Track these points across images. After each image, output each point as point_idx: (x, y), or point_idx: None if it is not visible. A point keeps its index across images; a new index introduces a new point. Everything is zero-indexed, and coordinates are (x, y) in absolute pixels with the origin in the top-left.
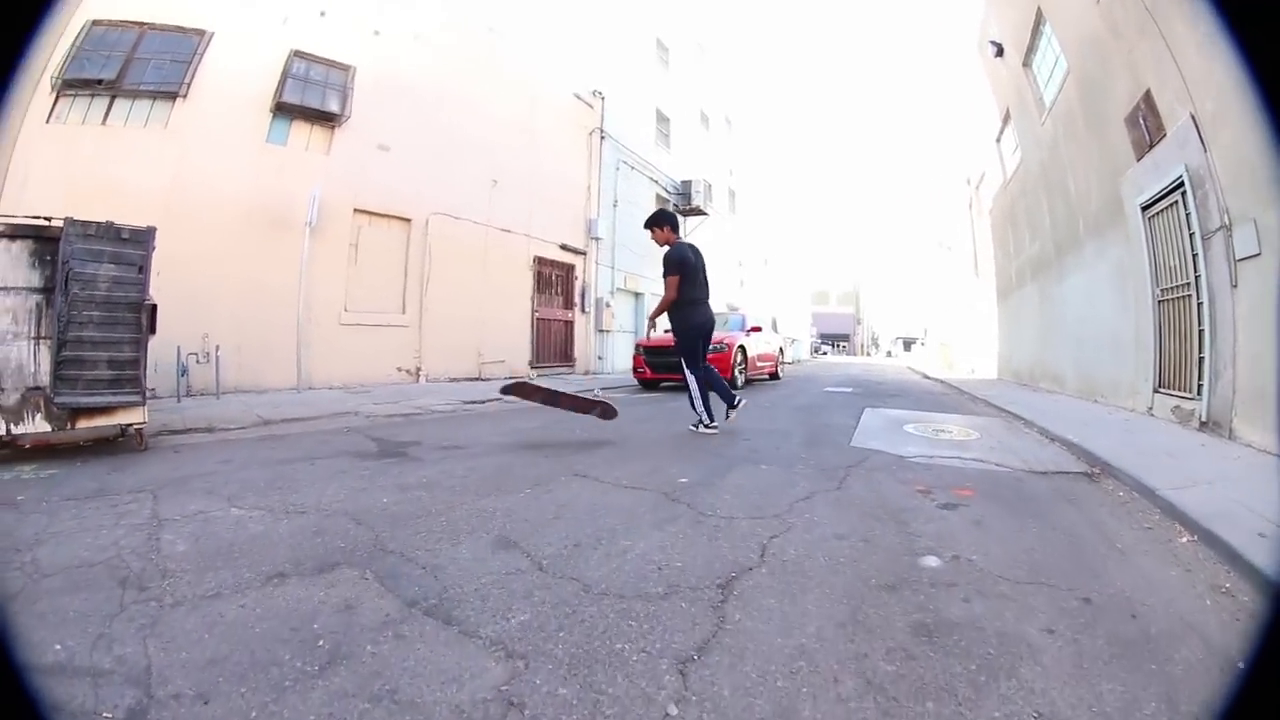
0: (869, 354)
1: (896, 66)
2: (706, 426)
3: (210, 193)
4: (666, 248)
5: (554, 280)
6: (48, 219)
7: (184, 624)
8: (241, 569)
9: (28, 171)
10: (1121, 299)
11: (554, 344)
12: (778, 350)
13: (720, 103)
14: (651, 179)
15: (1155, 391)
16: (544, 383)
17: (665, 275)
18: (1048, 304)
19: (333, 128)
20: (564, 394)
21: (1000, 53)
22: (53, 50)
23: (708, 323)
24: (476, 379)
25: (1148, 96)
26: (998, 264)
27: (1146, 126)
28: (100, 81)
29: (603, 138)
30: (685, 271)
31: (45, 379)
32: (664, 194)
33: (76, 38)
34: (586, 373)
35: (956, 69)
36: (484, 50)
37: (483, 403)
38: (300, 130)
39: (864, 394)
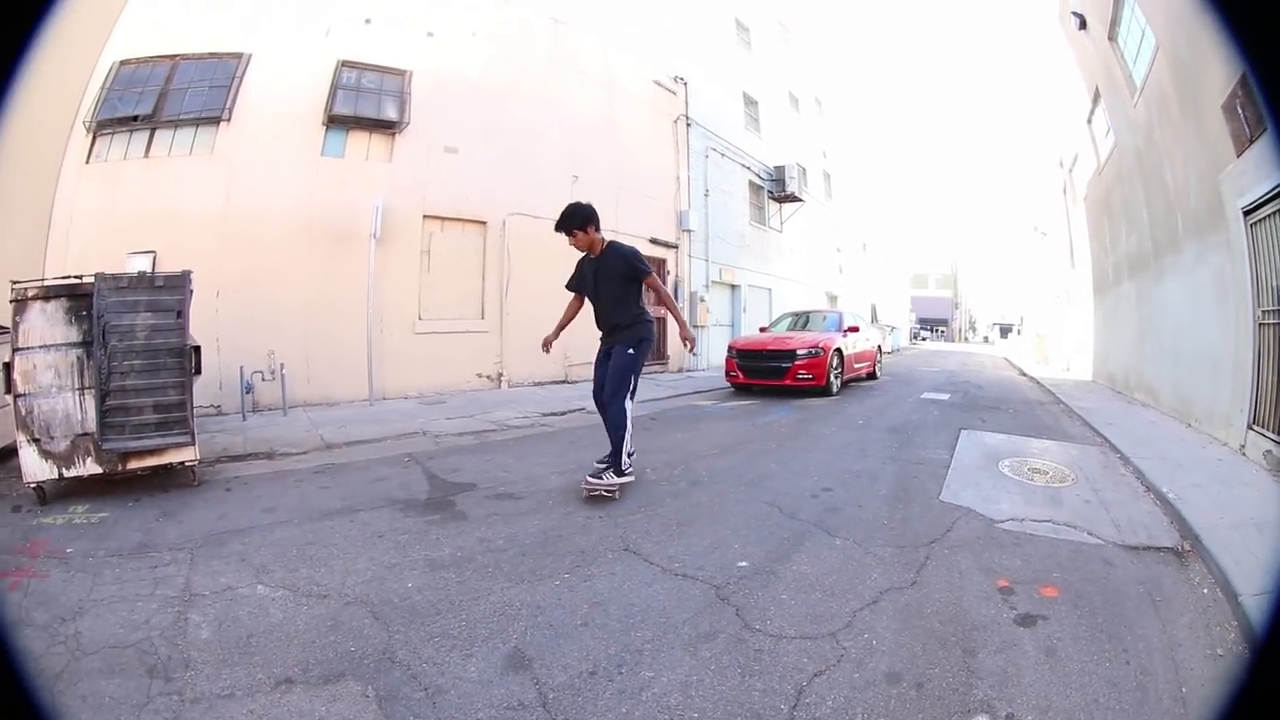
0: (967, 339)
1: (986, 38)
2: (605, 480)
3: (266, 211)
4: (613, 246)
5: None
6: (79, 277)
7: None
8: (256, 667)
9: (72, 213)
10: (1222, 315)
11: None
12: (875, 347)
13: (808, 83)
14: (743, 165)
15: (1249, 428)
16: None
17: (643, 274)
18: (1145, 307)
19: (393, 135)
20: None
21: (1083, 25)
22: (81, 95)
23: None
24: (563, 381)
25: (1244, 82)
26: (1094, 256)
27: (1245, 117)
28: (136, 118)
29: (689, 124)
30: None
31: (93, 425)
32: (757, 180)
33: (105, 79)
34: (680, 370)
35: (1041, 41)
36: (550, 42)
37: (563, 414)
38: (358, 140)
39: (962, 405)
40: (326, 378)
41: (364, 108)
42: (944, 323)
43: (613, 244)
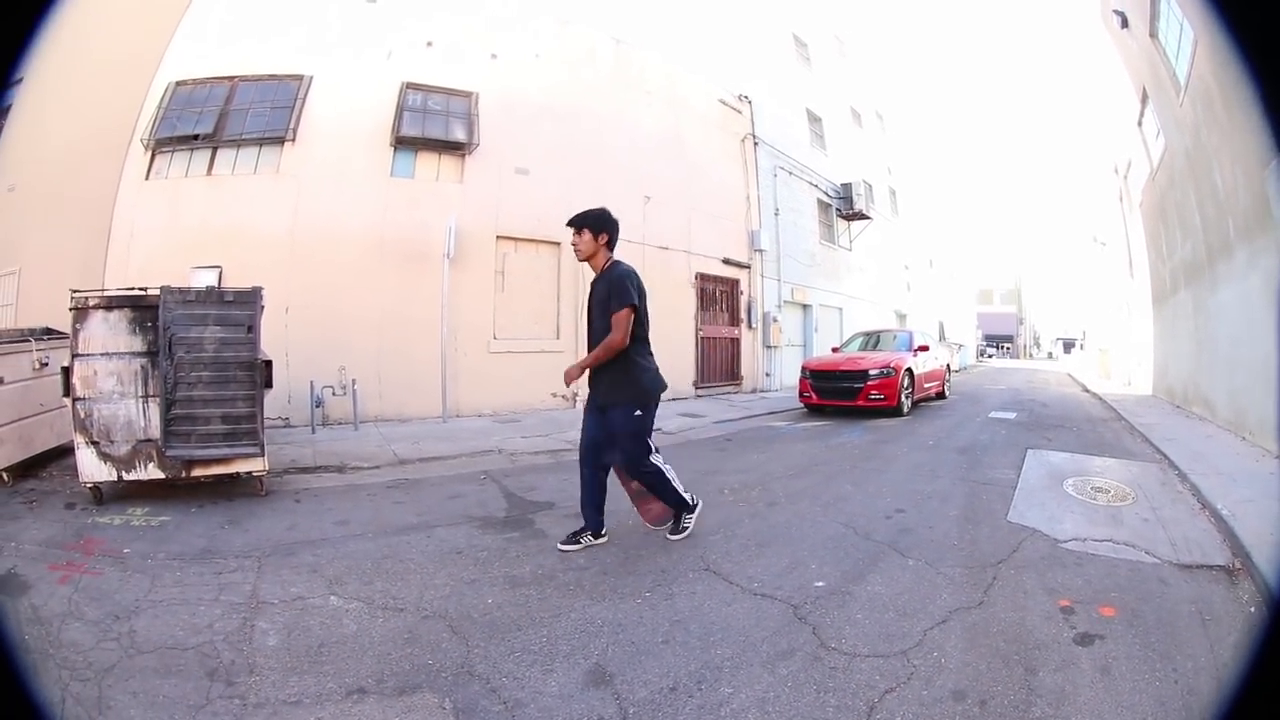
0: (1031, 355)
1: (1039, 43)
2: (681, 526)
3: (336, 230)
4: (611, 267)
5: (718, 296)
6: (144, 289)
7: None
8: (326, 676)
9: (133, 227)
10: (1274, 321)
11: (719, 362)
12: (944, 366)
13: (868, 98)
14: (811, 183)
15: None
16: (704, 405)
17: (614, 304)
18: (1201, 317)
19: (463, 156)
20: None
21: (1125, 23)
22: (137, 115)
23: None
24: None
25: None
26: (1152, 266)
27: None
28: (197, 137)
29: (756, 143)
30: (642, 303)
31: (156, 433)
32: (824, 198)
33: (162, 99)
34: (754, 391)
35: (1088, 43)
36: (614, 62)
37: None
38: (428, 161)
39: (1028, 423)
40: (399, 394)
41: (432, 129)
42: (1009, 339)
43: (614, 264)
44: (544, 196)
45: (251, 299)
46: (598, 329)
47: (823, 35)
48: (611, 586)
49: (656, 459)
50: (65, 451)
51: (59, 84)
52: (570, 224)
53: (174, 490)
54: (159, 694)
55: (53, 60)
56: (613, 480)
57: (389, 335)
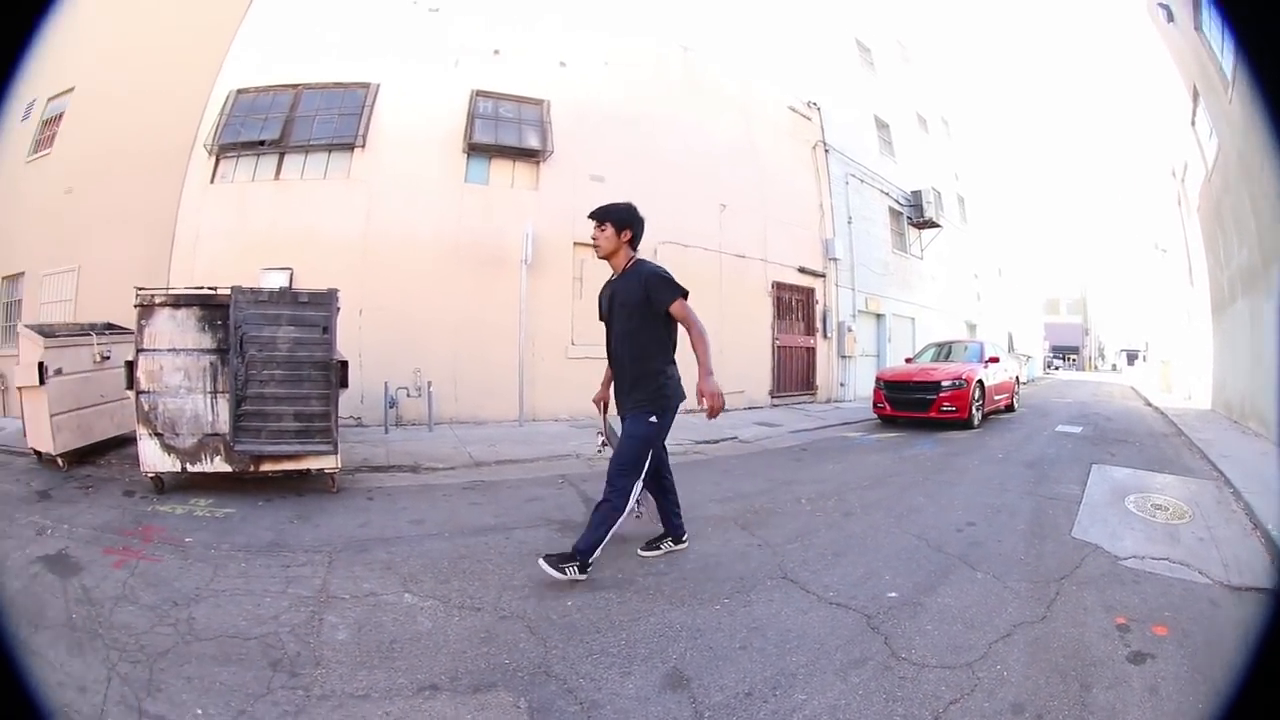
0: (1096, 367)
1: (1096, 40)
2: (561, 567)
3: (410, 235)
4: (637, 265)
5: (794, 305)
6: (213, 289)
7: (326, 718)
8: (398, 672)
9: (198, 229)
10: None
11: (795, 371)
12: (1013, 378)
13: (933, 103)
14: (882, 191)
15: None
16: (780, 414)
17: (665, 297)
18: (1257, 326)
19: (537, 163)
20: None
21: (1170, 16)
22: (198, 121)
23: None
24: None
25: None
26: (1210, 273)
27: None
28: (263, 142)
29: (827, 150)
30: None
31: (224, 427)
32: (896, 206)
33: (224, 106)
34: (829, 401)
35: (1139, 39)
36: (683, 70)
37: (715, 442)
38: (502, 168)
39: (1093, 438)
40: (474, 397)
41: (504, 136)
42: (1074, 350)
43: (638, 262)
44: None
45: (327, 300)
46: (620, 333)
47: (885, 40)
48: (690, 592)
49: (635, 490)
50: (124, 441)
51: (115, 91)
52: (592, 217)
53: (239, 484)
54: (216, 680)
55: (108, 67)
56: (683, 483)
57: (465, 339)
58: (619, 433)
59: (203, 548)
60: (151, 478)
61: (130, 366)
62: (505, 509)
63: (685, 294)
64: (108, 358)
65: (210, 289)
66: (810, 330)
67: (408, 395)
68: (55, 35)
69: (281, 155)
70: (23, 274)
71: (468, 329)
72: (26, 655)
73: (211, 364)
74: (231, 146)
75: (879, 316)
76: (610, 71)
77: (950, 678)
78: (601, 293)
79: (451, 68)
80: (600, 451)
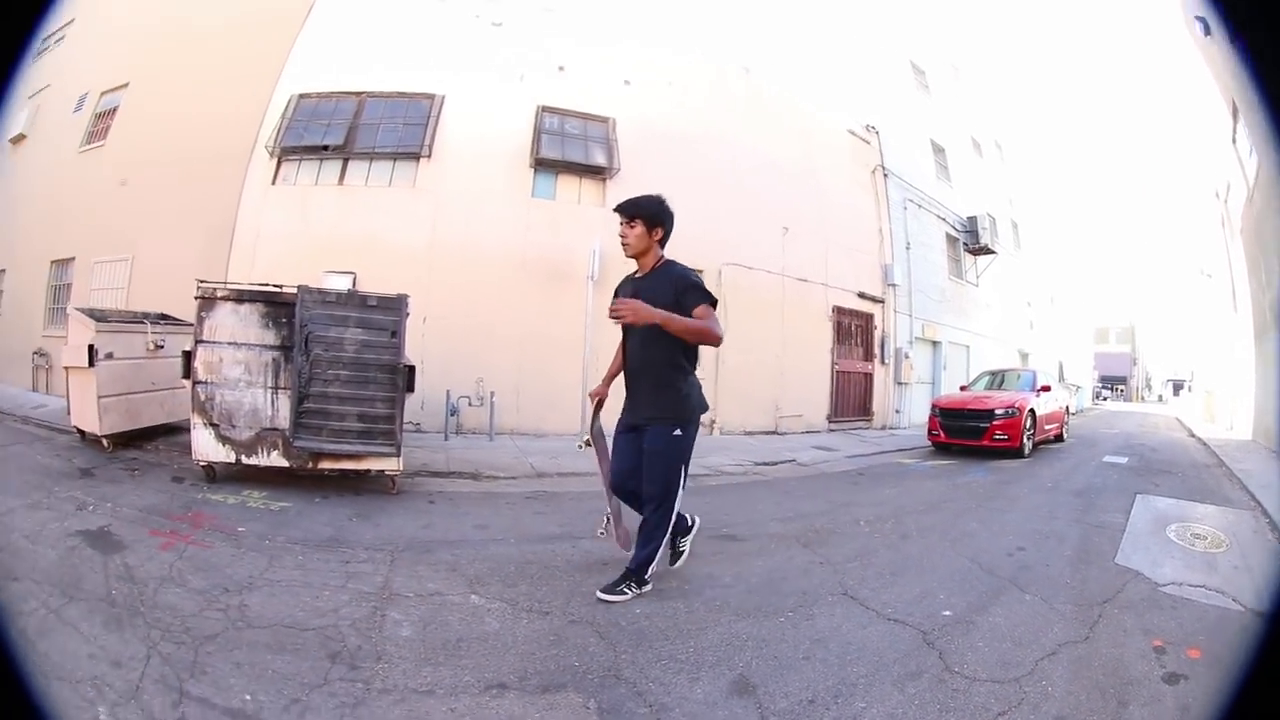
0: (1143, 398)
1: (1140, 62)
2: (619, 589)
3: (476, 246)
4: (666, 266)
5: (853, 330)
6: (279, 287)
7: (387, 713)
8: (464, 670)
9: (259, 229)
10: None
11: (853, 397)
12: (1064, 408)
13: (986, 127)
14: (938, 216)
15: None
16: (837, 439)
17: (693, 299)
18: None
19: (603, 180)
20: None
21: (1208, 29)
22: (259, 123)
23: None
24: (773, 433)
25: None
26: (1253, 296)
27: None
28: (326, 147)
29: (885, 175)
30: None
31: (283, 423)
32: (952, 232)
33: (285, 110)
34: (884, 427)
35: (1178, 55)
36: (745, 91)
37: (775, 464)
38: (568, 184)
39: (1138, 469)
40: (537, 409)
41: (571, 153)
42: (1122, 380)
43: (668, 263)
44: (686, 223)
45: (397, 305)
46: (643, 336)
47: (939, 62)
48: (756, 604)
49: (676, 501)
50: (173, 429)
51: (170, 89)
52: (619, 210)
53: (294, 479)
54: (268, 668)
55: (163, 65)
56: (745, 502)
57: (529, 352)
58: (606, 437)
59: (256, 538)
60: (203, 466)
61: (188, 357)
62: (570, 519)
63: (714, 302)
64: (161, 346)
65: (276, 286)
66: (869, 356)
67: (469, 404)
68: (108, 30)
69: (345, 161)
70: (73, 259)
71: (532, 342)
72: (28, 655)
73: (274, 360)
74: (294, 150)
75: (935, 344)
76: (675, 91)
77: (999, 691)
78: (620, 288)
79: (516, 82)
80: (580, 449)
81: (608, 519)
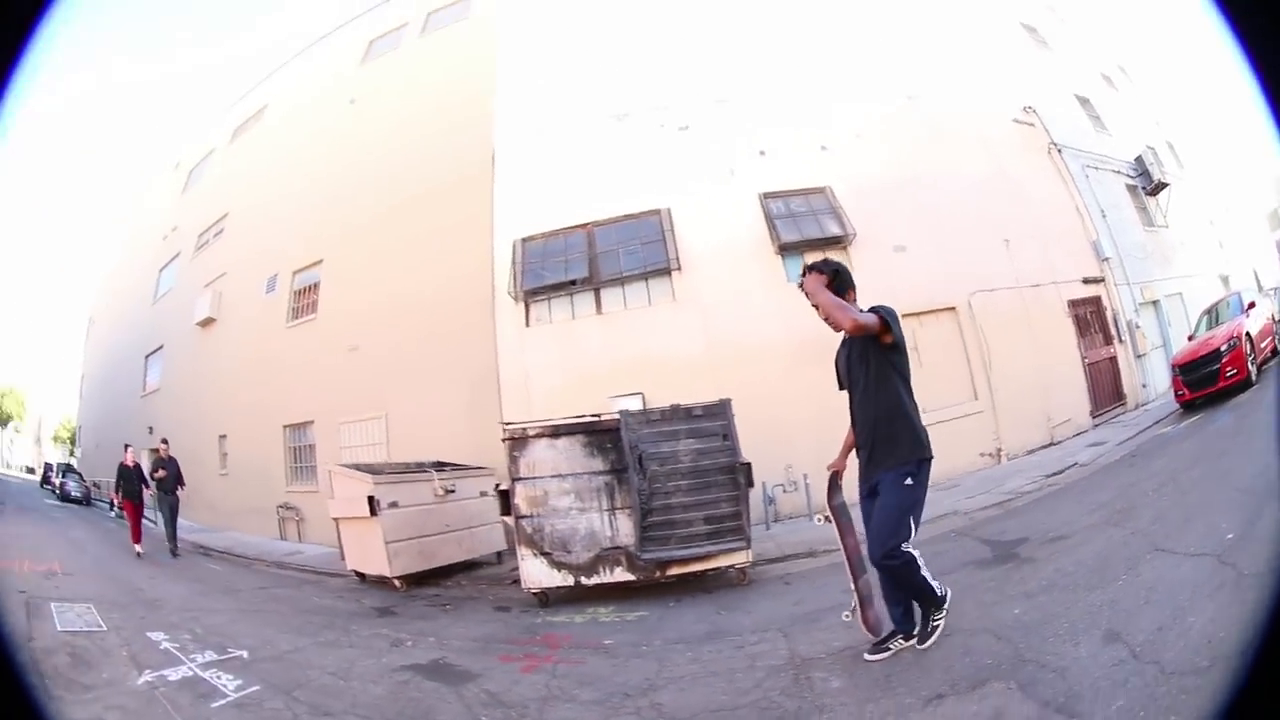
0: None
1: None
2: (931, 626)
3: (748, 341)
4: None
5: (1089, 319)
6: (596, 416)
7: None
8: (901, 695)
9: (525, 369)
10: None
11: (1105, 385)
12: (1270, 319)
13: (1107, 58)
14: (1114, 171)
15: None
16: (1103, 431)
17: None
18: None
19: (844, 247)
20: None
21: None
22: (490, 271)
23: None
24: (1050, 444)
25: None
26: None
27: None
28: (574, 282)
29: (1059, 150)
30: (900, 333)
31: (624, 540)
32: (1129, 181)
33: (513, 256)
34: (1136, 406)
35: None
36: (918, 119)
37: (1062, 472)
38: (815, 260)
39: None
40: (848, 482)
41: (807, 230)
42: None
43: (872, 309)
44: (925, 266)
45: (723, 410)
46: (863, 387)
47: (1041, 13)
48: (1097, 579)
49: (910, 547)
50: (471, 565)
51: (378, 257)
52: (812, 269)
53: (634, 591)
54: None
55: (362, 237)
56: (1050, 510)
57: (826, 426)
58: (848, 513)
59: (630, 647)
60: (535, 594)
61: (505, 495)
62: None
63: (884, 314)
64: (452, 491)
65: (594, 416)
66: (1107, 339)
67: (783, 490)
68: (282, 217)
69: (596, 290)
70: (310, 422)
71: (826, 417)
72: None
73: (606, 483)
74: (540, 290)
75: (1154, 304)
76: (863, 143)
77: None
78: (837, 360)
79: (728, 177)
80: (819, 524)
81: (855, 603)
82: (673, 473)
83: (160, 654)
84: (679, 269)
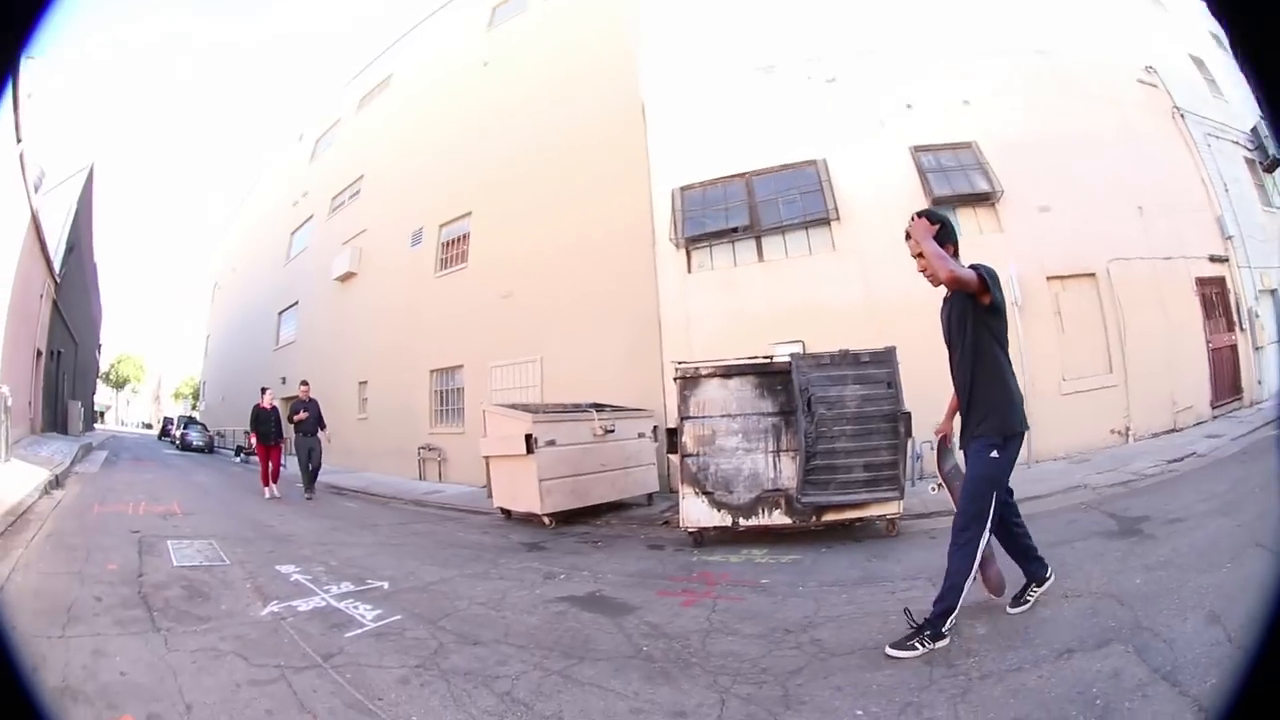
0: None
1: None
2: (938, 639)
3: (907, 296)
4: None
5: (1214, 300)
6: (768, 358)
7: (990, 692)
8: (1037, 646)
9: (687, 314)
10: None
11: (1224, 375)
12: None
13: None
14: (1234, 142)
15: None
16: (1220, 424)
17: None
18: None
19: (993, 205)
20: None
21: None
22: (649, 219)
23: None
24: (1173, 430)
25: None
26: None
27: None
28: (735, 229)
29: (1183, 115)
30: (1001, 297)
31: (785, 483)
32: (1247, 154)
33: (673, 204)
34: (1251, 404)
35: None
36: (1049, 76)
37: (1182, 459)
38: (965, 216)
39: None
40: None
41: (957, 184)
42: None
43: (971, 266)
44: (1069, 229)
45: (888, 358)
46: (962, 347)
47: None
48: (1205, 563)
49: (982, 541)
50: (620, 505)
51: (527, 210)
52: (921, 215)
53: (784, 536)
54: (870, 684)
55: (509, 191)
56: (1173, 498)
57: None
58: (960, 476)
59: (787, 587)
60: (692, 533)
61: (672, 434)
62: (1052, 529)
63: (984, 275)
64: (611, 431)
65: (767, 358)
66: (1229, 325)
67: (930, 448)
68: (424, 175)
69: (758, 239)
70: (460, 366)
71: None
72: (29, 659)
73: (774, 425)
74: (700, 238)
75: (1273, 293)
76: (1002, 101)
77: None
78: (942, 312)
79: (878, 128)
80: (934, 492)
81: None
82: (839, 417)
83: (290, 585)
84: (838, 219)
